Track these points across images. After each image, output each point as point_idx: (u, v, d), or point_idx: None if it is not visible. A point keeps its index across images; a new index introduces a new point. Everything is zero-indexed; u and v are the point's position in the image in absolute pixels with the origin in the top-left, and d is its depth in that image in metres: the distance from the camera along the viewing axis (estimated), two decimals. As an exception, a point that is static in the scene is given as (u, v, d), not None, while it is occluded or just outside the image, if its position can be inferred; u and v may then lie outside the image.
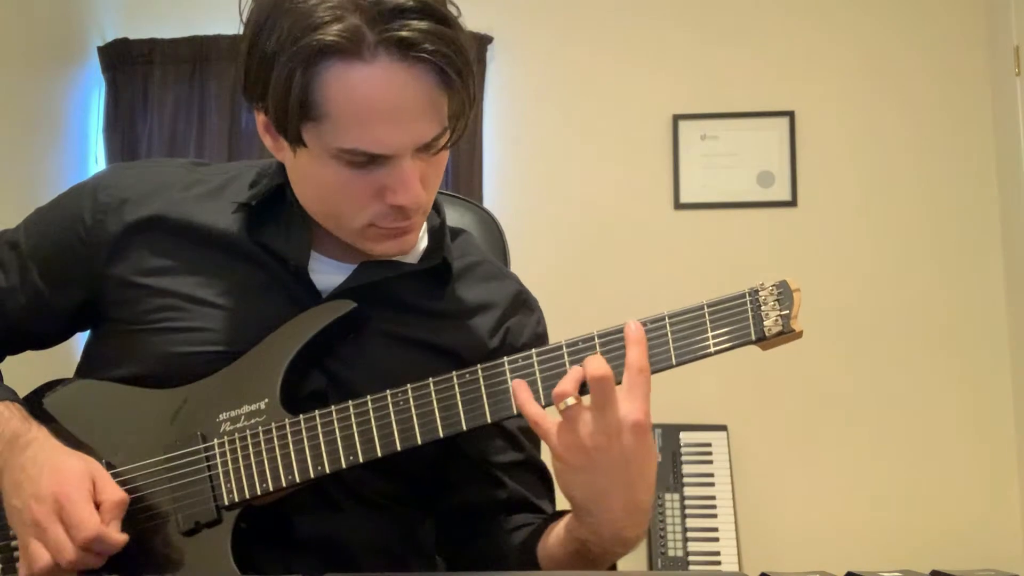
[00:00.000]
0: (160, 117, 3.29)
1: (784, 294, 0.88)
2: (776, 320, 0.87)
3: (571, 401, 0.84)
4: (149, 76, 3.31)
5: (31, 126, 3.05)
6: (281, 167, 1.05)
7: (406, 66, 0.87)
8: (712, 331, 0.87)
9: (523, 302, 1.15)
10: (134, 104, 3.31)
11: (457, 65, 0.88)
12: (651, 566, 2.91)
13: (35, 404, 1.04)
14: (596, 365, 0.84)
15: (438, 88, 0.89)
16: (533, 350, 0.90)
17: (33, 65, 3.07)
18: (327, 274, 1.03)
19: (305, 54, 0.86)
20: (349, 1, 0.86)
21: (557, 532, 0.95)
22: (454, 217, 1.40)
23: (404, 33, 0.85)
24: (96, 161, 3.32)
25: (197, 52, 3.28)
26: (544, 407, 0.89)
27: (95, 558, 0.90)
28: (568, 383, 0.85)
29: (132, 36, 3.33)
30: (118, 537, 0.90)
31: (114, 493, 0.92)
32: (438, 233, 1.10)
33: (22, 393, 1.06)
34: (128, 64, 3.32)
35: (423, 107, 0.89)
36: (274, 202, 1.04)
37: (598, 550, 0.91)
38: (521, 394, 0.88)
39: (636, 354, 0.85)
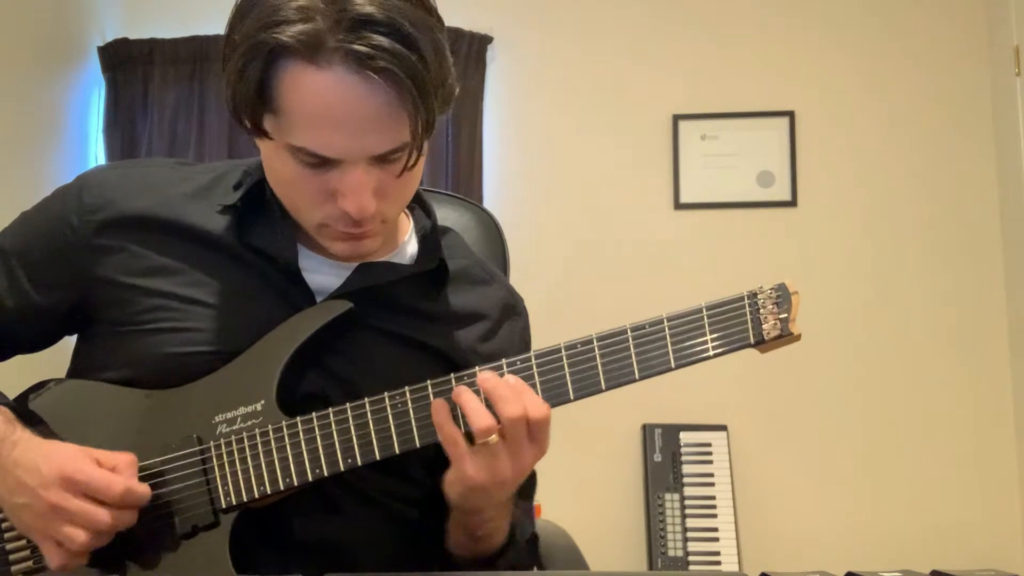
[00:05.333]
0: (160, 117, 3.29)
1: (782, 297, 0.87)
2: (775, 324, 0.87)
3: (494, 438, 0.87)
4: (149, 76, 3.31)
5: (31, 126, 3.04)
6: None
7: (359, 79, 0.86)
8: (711, 334, 0.87)
9: (511, 308, 1.16)
10: (134, 104, 3.31)
11: (415, 85, 0.86)
12: (651, 566, 2.91)
13: (25, 406, 1.03)
14: (513, 409, 0.87)
15: (394, 104, 0.87)
16: (532, 352, 0.90)
17: (33, 65, 3.07)
18: (322, 274, 1.03)
19: (264, 49, 0.87)
20: (319, 4, 0.85)
21: (450, 528, 1.02)
22: (453, 217, 1.40)
23: (360, 47, 0.84)
24: (96, 161, 3.31)
25: (197, 52, 3.27)
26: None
27: (129, 514, 0.91)
28: (490, 418, 0.87)
29: (132, 36, 3.32)
30: (144, 487, 0.92)
31: (121, 456, 0.92)
32: (430, 236, 1.10)
33: (12, 394, 1.05)
34: (128, 64, 3.31)
35: (376, 120, 0.88)
36: (258, 201, 1.04)
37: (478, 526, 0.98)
38: (440, 414, 0.90)
39: (524, 407, 0.88)
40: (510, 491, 0.93)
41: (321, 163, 0.90)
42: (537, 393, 0.89)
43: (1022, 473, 3.01)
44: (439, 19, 0.92)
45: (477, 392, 0.89)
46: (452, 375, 0.91)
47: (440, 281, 1.09)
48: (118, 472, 0.91)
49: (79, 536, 0.88)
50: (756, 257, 3.17)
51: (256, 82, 0.88)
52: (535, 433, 0.88)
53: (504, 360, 0.90)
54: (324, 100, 0.87)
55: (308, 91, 0.87)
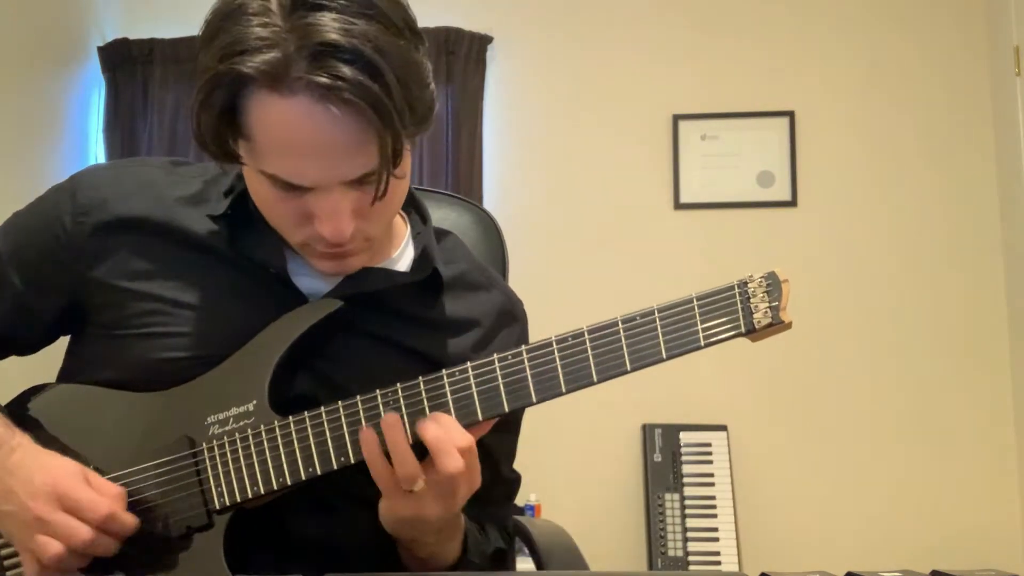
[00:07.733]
0: (160, 117, 3.29)
1: (773, 285, 0.87)
2: (765, 312, 0.86)
3: (420, 484, 0.87)
4: (149, 76, 3.31)
5: (31, 126, 3.05)
6: None
7: (324, 107, 0.83)
8: (702, 324, 0.87)
9: (508, 314, 1.14)
10: (134, 104, 3.32)
11: (377, 115, 0.83)
12: (651, 566, 2.91)
13: (19, 410, 1.02)
14: (453, 463, 0.86)
15: (361, 132, 0.85)
16: (523, 347, 0.89)
17: (33, 65, 3.07)
18: (313, 278, 1.02)
19: (230, 77, 0.84)
20: (288, 31, 0.83)
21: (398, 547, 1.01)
22: (453, 217, 1.39)
23: (323, 78, 0.81)
24: (96, 161, 3.32)
25: (197, 52, 3.27)
26: (536, 402, 0.89)
27: (109, 540, 0.90)
28: (416, 466, 0.87)
29: (132, 36, 3.33)
30: (130, 516, 0.91)
31: (113, 486, 0.92)
32: (426, 241, 1.09)
33: (6, 398, 1.04)
34: (128, 64, 3.32)
35: (344, 148, 0.86)
36: (247, 208, 1.02)
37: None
38: (370, 448, 0.88)
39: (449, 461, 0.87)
40: (441, 524, 0.93)
41: (295, 187, 0.89)
42: (528, 386, 0.89)
43: (1022, 474, 3.01)
44: (414, 35, 0.89)
45: (417, 410, 0.89)
46: (443, 371, 0.90)
47: (435, 288, 1.08)
48: (105, 497, 0.90)
49: (52, 547, 0.88)
50: (756, 257, 3.16)
51: (222, 110, 0.86)
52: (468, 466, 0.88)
53: (496, 355, 0.90)
54: (291, 129, 0.85)
55: (275, 120, 0.85)
